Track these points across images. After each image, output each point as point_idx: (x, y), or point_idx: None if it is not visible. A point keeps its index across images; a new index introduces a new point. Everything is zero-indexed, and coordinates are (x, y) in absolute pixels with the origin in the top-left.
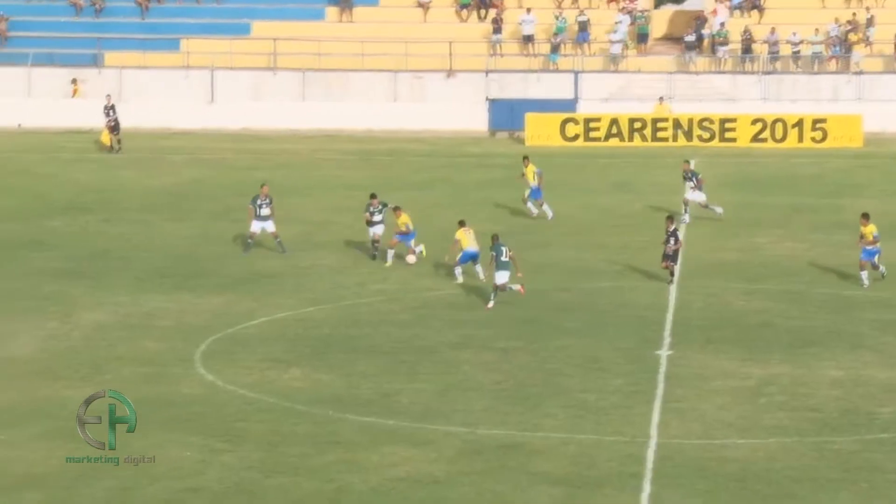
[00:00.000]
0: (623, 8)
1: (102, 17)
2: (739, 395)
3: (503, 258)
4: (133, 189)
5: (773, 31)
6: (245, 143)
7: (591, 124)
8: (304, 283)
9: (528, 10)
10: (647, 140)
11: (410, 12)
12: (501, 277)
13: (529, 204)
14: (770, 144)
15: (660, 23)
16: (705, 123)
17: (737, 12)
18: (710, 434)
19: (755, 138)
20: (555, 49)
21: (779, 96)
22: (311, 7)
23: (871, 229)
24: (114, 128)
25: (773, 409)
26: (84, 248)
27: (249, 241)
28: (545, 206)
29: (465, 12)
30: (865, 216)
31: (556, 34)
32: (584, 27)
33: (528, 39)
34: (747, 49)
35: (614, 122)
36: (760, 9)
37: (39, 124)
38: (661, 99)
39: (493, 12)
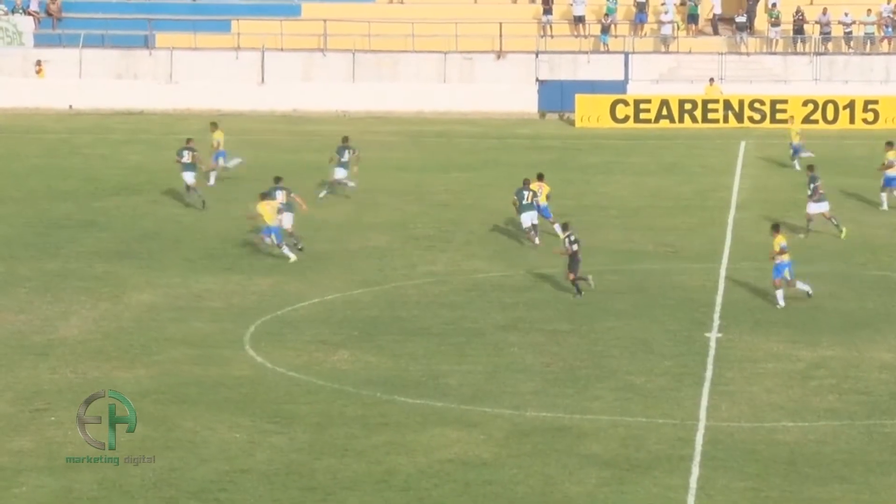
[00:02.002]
0: None
1: None
2: (789, 377)
3: (525, 202)
4: None
5: (824, 11)
6: (295, 124)
7: (642, 106)
8: (352, 264)
9: None
10: (697, 121)
11: None
12: (527, 220)
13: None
14: (821, 126)
15: (711, 3)
16: (756, 104)
17: None
18: (759, 417)
19: (806, 119)
20: (605, 30)
21: (830, 77)
22: None
23: (778, 241)
24: None
25: (823, 392)
26: (135, 229)
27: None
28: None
29: None
30: (775, 227)
31: (606, 15)
32: (641, 8)
33: (579, 20)
34: (799, 30)
35: (665, 103)
36: None
37: (90, 105)
38: (711, 80)
39: None
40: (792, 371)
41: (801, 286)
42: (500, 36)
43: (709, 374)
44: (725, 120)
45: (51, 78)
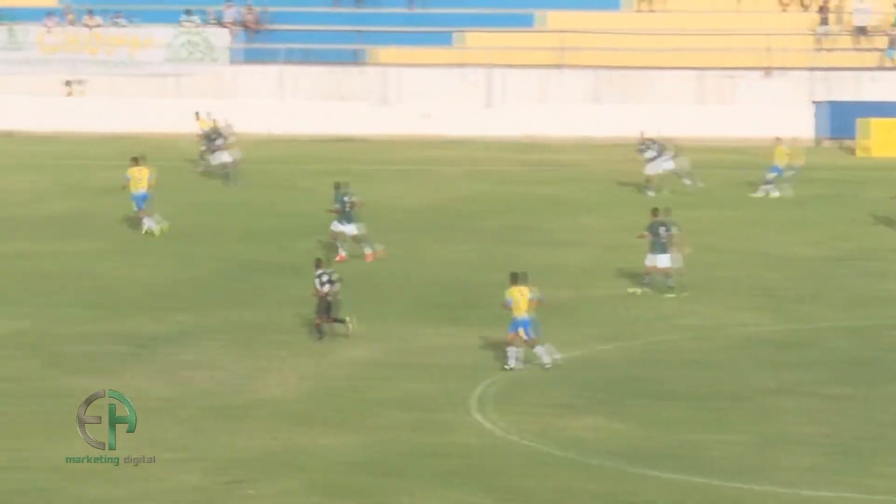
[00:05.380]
0: None
1: (365, 8)
2: None
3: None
4: (399, 205)
5: None
6: (528, 152)
7: None
8: (597, 315)
9: None
10: None
11: (722, 1)
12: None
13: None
14: None
15: None
16: None
17: None
18: None
19: None
20: (893, 43)
21: None
22: None
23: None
24: None
25: None
26: (342, 273)
27: None
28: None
29: (786, 1)
30: (513, 277)
31: (894, 26)
32: None
33: (862, 32)
34: None
35: None
36: None
37: (292, 131)
38: None
39: (819, 1)
40: None
41: (540, 352)
42: (769, 50)
43: None
44: None
45: (248, 98)
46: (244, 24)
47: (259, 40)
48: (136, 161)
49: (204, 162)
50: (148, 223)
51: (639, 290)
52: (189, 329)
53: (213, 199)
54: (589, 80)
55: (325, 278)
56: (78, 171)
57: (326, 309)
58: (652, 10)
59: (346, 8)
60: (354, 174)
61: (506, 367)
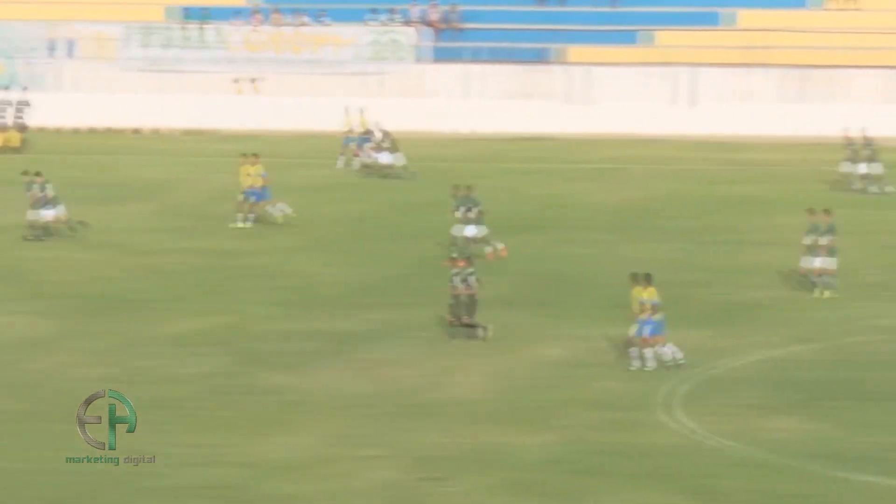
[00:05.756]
0: None
1: (567, 7)
2: None
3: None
4: (594, 205)
5: None
6: (726, 152)
7: None
8: (794, 316)
9: None
10: None
11: None
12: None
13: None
14: None
15: None
16: None
17: None
18: None
19: None
20: None
21: None
22: None
23: (648, 293)
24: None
25: None
26: (537, 271)
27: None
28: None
29: None
30: (647, 277)
31: None
32: None
33: None
34: None
35: None
36: None
37: (490, 129)
38: None
39: None
40: None
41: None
42: None
43: None
44: None
45: (443, 97)
46: (448, 24)
47: (457, 39)
48: (256, 157)
49: (360, 160)
50: (272, 210)
51: (827, 293)
52: (384, 326)
53: (402, 198)
54: (789, 79)
55: (472, 278)
56: (278, 170)
57: (467, 308)
58: (856, 9)
59: (548, 7)
60: (552, 173)
61: (681, 362)
